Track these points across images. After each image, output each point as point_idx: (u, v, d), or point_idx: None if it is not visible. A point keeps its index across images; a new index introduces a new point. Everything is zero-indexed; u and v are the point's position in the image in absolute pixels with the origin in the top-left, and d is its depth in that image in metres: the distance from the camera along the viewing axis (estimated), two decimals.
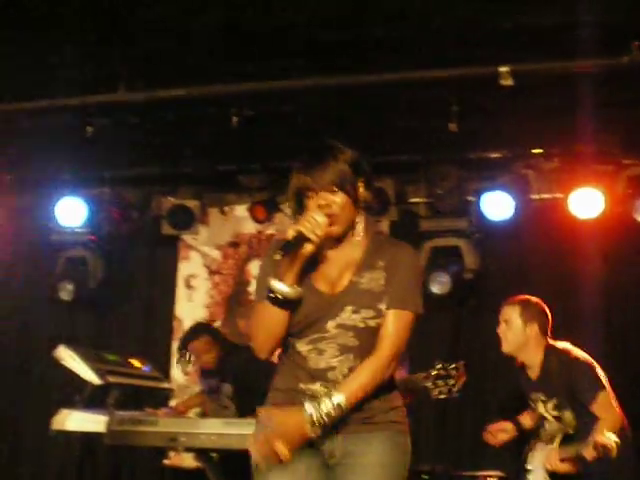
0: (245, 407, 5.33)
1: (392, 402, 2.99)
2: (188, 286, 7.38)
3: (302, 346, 2.92)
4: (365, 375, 2.86)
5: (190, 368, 6.47)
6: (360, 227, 2.96)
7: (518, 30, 4.32)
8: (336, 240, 2.94)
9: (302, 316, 2.88)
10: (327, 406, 2.80)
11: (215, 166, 6.70)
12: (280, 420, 2.84)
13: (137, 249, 7.35)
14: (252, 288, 7.05)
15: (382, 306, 2.88)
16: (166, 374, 6.89)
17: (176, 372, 7.13)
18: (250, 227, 7.18)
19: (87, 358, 5.57)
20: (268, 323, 2.91)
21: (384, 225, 6.75)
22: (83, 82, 5.04)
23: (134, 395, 6.48)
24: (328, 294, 2.91)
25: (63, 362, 5.61)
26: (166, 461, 6.23)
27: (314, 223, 2.79)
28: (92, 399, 5.47)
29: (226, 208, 7.26)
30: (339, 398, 2.81)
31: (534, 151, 6.17)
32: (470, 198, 6.24)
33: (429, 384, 3.88)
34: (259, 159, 6.55)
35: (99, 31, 4.40)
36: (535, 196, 6.28)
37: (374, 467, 2.92)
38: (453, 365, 3.95)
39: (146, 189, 7.09)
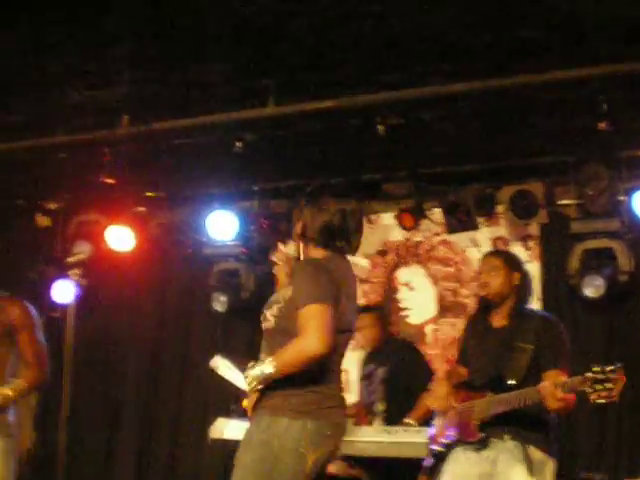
0: (393, 391, 5.36)
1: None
2: None
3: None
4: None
5: None
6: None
7: None
8: None
9: None
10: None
11: (361, 175, 6.74)
12: None
13: None
14: (400, 295, 7.06)
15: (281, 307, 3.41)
16: None
17: None
18: (397, 235, 7.18)
19: (242, 367, 5.67)
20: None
21: (534, 228, 6.64)
22: (232, 98, 5.15)
23: None
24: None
25: (218, 371, 5.74)
26: None
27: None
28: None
29: (373, 217, 7.28)
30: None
31: None
32: (621, 198, 6.06)
33: (587, 388, 3.77)
34: (404, 167, 6.55)
35: (248, 47, 4.49)
36: None
37: None
38: (611, 367, 3.84)
39: (294, 200, 7.18)
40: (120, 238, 7.06)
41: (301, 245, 3.52)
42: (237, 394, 5.66)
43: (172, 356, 7.62)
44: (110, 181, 6.19)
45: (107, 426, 7.70)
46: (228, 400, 6.52)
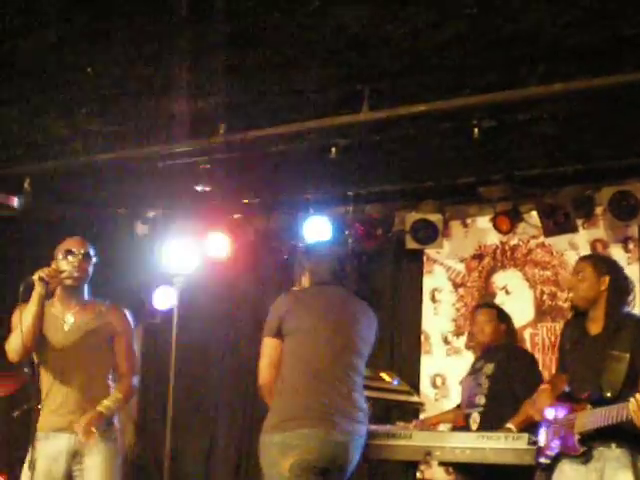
0: (496, 388, 5.31)
1: None
2: (433, 300, 7.40)
3: None
4: None
5: None
6: None
7: None
8: None
9: None
10: None
11: (455, 179, 6.70)
12: None
13: (382, 264, 7.45)
14: (497, 300, 6.99)
15: None
16: (415, 388, 6.92)
17: (426, 386, 7.15)
18: (493, 238, 7.11)
19: None
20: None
21: (634, 230, 6.50)
22: (327, 105, 5.18)
23: (384, 409, 6.57)
24: None
25: None
26: (418, 475, 6.25)
27: None
28: None
29: (468, 220, 7.23)
30: None
31: None
32: None
33: None
34: (500, 169, 6.48)
35: (342, 54, 4.51)
36: None
37: None
38: None
39: (389, 205, 7.19)
40: (217, 244, 7.16)
41: None
42: None
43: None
44: (207, 189, 6.28)
45: (206, 430, 7.80)
46: None
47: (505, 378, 5.33)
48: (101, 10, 4.12)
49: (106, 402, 4.46)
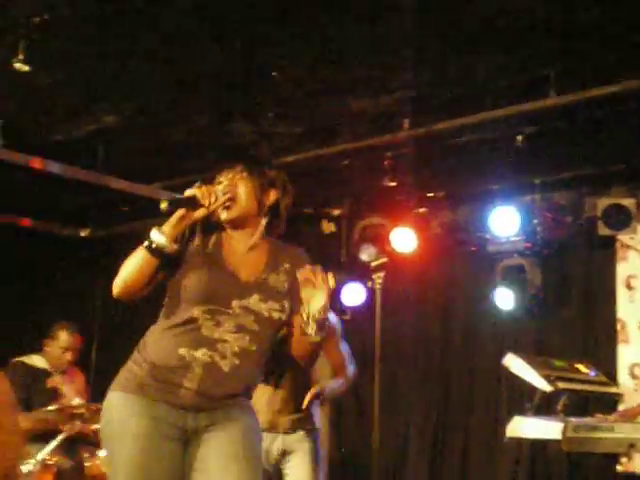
0: None
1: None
2: (628, 287, 7.13)
3: (198, 312, 2.93)
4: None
5: None
6: (261, 230, 3.08)
7: None
8: (237, 234, 3.07)
9: (207, 285, 2.94)
10: None
11: None
12: None
13: (573, 252, 7.24)
14: None
15: (286, 304, 3.02)
16: (612, 378, 6.71)
17: (623, 376, 6.91)
18: None
19: (535, 365, 5.60)
20: (135, 265, 2.92)
21: None
22: (511, 92, 5.09)
23: (581, 401, 6.40)
24: (238, 278, 3.00)
25: (512, 370, 5.69)
26: (619, 467, 6.06)
27: (211, 192, 2.92)
28: (539, 406, 5.50)
29: None
30: None
31: None
32: None
33: None
34: None
35: (526, 39, 4.42)
36: None
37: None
38: None
39: (578, 191, 6.98)
40: (403, 239, 7.17)
41: None
42: (531, 392, 5.63)
43: (458, 355, 7.62)
44: (392, 184, 6.30)
45: (397, 426, 7.82)
46: (520, 398, 6.46)
47: None
48: (284, 14, 4.21)
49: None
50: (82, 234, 8.68)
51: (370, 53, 4.58)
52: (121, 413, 2.89)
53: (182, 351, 2.90)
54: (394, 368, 7.72)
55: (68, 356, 5.94)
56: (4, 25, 4.36)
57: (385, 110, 5.34)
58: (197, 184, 2.96)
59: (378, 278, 5.78)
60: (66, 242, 8.80)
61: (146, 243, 2.91)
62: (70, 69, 4.93)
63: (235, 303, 2.95)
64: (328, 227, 7.85)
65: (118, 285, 2.96)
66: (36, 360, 5.87)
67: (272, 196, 3.10)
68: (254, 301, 2.98)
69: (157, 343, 2.97)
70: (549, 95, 4.92)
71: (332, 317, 4.82)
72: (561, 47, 4.54)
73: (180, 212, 2.90)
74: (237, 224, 3.08)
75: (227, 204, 3.00)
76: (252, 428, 3.06)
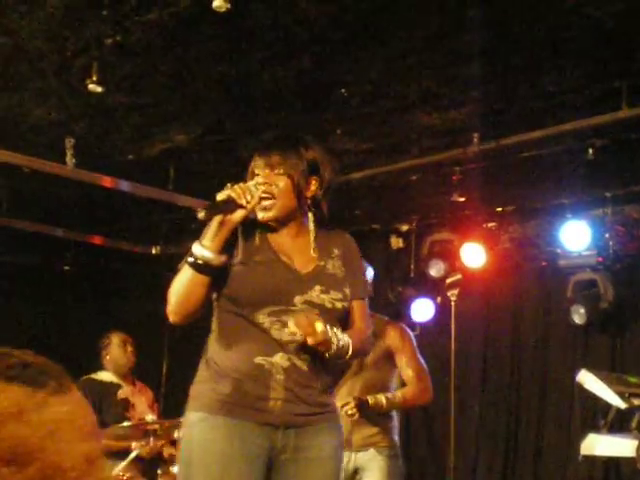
0: None
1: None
2: None
3: (262, 318, 2.77)
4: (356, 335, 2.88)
5: None
6: (312, 225, 2.96)
7: None
8: (280, 229, 2.92)
9: (268, 286, 2.77)
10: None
11: None
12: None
13: None
14: None
15: (347, 290, 2.91)
16: None
17: None
18: None
19: (609, 381, 5.49)
20: (186, 287, 2.78)
21: None
22: (582, 105, 5.03)
23: None
24: (296, 271, 2.86)
25: (585, 386, 5.60)
26: None
27: (245, 189, 2.72)
28: (613, 423, 5.40)
29: None
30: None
31: None
32: None
33: None
34: None
35: (598, 52, 4.37)
36: None
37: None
38: None
39: None
40: (472, 255, 7.12)
41: None
42: (605, 409, 5.53)
43: (531, 371, 7.53)
44: (460, 199, 6.27)
45: (470, 443, 7.75)
46: (594, 415, 6.35)
47: None
48: (353, 33, 4.23)
49: (379, 396, 4.50)
50: (153, 251, 8.80)
51: (439, 68, 4.57)
52: (204, 434, 2.76)
53: (259, 360, 2.77)
54: (463, 384, 7.66)
55: (129, 349, 6.03)
56: (78, 47, 4.44)
57: (454, 125, 5.32)
58: (228, 185, 2.80)
59: (452, 295, 5.71)
60: (137, 259, 8.94)
61: (190, 260, 2.76)
62: (141, 90, 5.00)
63: (298, 299, 2.83)
64: (397, 243, 7.83)
65: (172, 312, 2.86)
66: (103, 375, 5.98)
67: (313, 186, 2.93)
68: (316, 294, 2.85)
69: (228, 357, 2.84)
70: (621, 107, 4.85)
71: (405, 329, 4.80)
72: (633, 60, 4.46)
73: (217, 219, 2.75)
74: (278, 223, 2.93)
75: (264, 204, 2.84)
76: (337, 452, 2.93)
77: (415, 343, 4.86)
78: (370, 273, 4.75)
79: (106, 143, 5.94)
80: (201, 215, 2.74)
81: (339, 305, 2.88)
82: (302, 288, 2.83)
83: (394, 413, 4.72)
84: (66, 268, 9.17)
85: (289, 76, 4.73)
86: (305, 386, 2.81)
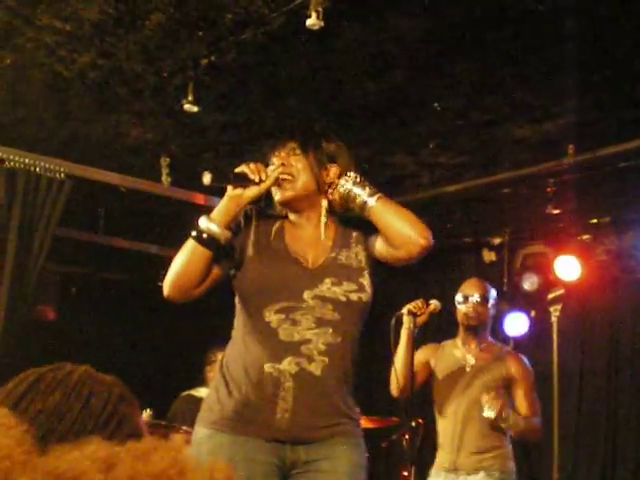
0: None
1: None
2: None
3: (271, 315, 2.62)
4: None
5: None
6: (323, 211, 2.80)
7: None
8: (297, 219, 2.82)
9: (274, 281, 2.64)
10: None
11: None
12: None
13: None
14: None
15: (364, 281, 2.72)
16: None
17: None
18: None
19: None
20: (185, 258, 2.67)
21: None
22: None
23: None
24: (304, 265, 2.69)
25: None
26: None
27: (261, 167, 2.64)
28: None
29: None
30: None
31: None
32: None
33: None
34: None
35: None
36: None
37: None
38: None
39: None
40: (567, 268, 7.00)
41: None
42: None
43: (627, 388, 7.33)
44: (555, 212, 6.18)
45: (568, 460, 7.60)
46: None
47: None
48: (445, 47, 4.22)
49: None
50: None
51: (532, 80, 4.53)
52: (210, 453, 2.58)
53: (267, 367, 2.62)
54: (563, 400, 7.52)
55: None
56: (174, 68, 4.53)
57: (548, 137, 5.26)
58: (245, 163, 2.72)
59: (555, 311, 5.59)
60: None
61: (194, 233, 2.67)
62: (236, 108, 5.07)
63: (307, 294, 2.66)
64: (489, 256, 7.76)
65: (167, 283, 2.73)
66: (202, 392, 6.01)
67: (332, 173, 2.80)
68: (327, 287, 2.68)
69: (238, 362, 2.72)
70: None
71: (526, 362, 4.71)
72: None
73: (229, 191, 2.68)
74: (295, 206, 2.82)
75: (280, 182, 2.74)
76: (354, 470, 2.70)
77: (532, 376, 4.73)
78: (493, 294, 4.73)
79: (201, 162, 6.02)
80: (206, 179, 2.71)
81: (354, 297, 2.70)
82: (311, 282, 2.69)
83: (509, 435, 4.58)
84: (160, 284, 9.26)
85: (382, 91, 4.74)
86: (317, 394, 2.63)
